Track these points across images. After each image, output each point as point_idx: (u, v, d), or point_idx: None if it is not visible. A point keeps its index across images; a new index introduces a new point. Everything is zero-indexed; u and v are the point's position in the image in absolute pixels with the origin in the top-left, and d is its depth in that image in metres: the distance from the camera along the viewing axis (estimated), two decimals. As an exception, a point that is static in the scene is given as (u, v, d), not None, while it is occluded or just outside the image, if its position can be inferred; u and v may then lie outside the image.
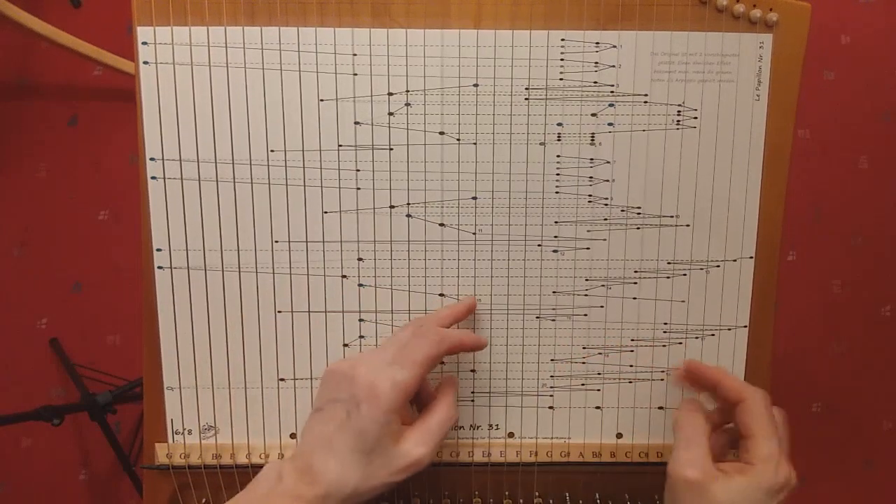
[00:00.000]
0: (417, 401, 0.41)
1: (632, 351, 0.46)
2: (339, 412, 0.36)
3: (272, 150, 0.43)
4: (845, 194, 1.15)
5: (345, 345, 0.45)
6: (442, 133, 0.43)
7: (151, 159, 0.43)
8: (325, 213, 0.44)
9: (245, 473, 0.45)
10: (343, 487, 0.35)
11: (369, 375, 0.36)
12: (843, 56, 1.15)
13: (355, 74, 0.43)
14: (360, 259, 0.44)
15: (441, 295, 0.45)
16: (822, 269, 1.16)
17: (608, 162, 0.44)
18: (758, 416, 0.38)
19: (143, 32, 0.42)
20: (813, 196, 1.15)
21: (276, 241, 0.44)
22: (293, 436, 0.45)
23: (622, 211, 0.44)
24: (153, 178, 0.43)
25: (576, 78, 0.43)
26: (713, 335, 0.46)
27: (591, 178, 0.44)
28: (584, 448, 0.46)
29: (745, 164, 0.44)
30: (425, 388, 0.41)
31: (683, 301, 0.45)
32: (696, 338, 0.46)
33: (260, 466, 0.45)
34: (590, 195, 0.44)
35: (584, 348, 0.46)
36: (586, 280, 0.45)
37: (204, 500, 0.46)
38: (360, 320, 0.45)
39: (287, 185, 0.43)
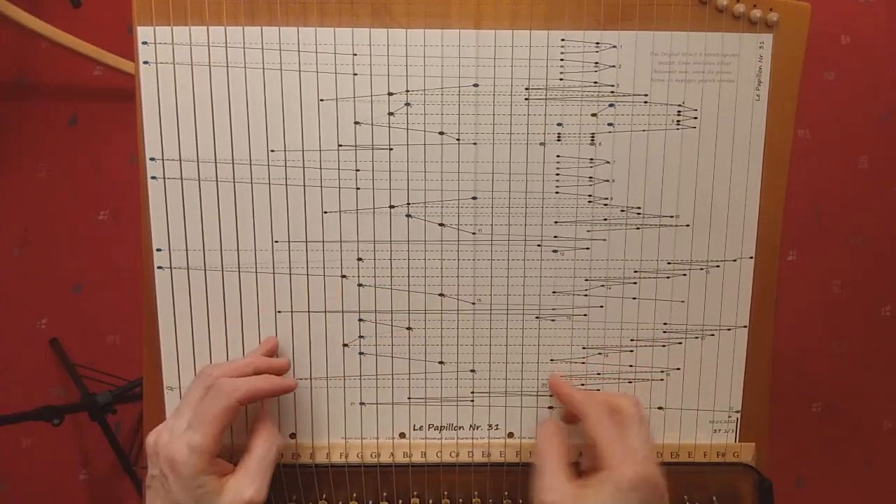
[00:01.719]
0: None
1: (631, 351, 0.46)
2: (160, 488, 0.37)
3: (272, 150, 0.43)
4: (845, 194, 1.15)
5: (344, 345, 0.45)
6: (442, 133, 0.43)
7: (151, 159, 0.43)
8: (325, 213, 0.44)
9: (245, 473, 0.45)
10: None
11: (167, 447, 0.37)
12: (843, 56, 1.15)
13: (355, 74, 0.43)
14: (359, 259, 0.44)
15: (441, 295, 0.45)
16: (822, 269, 1.16)
17: (608, 162, 0.44)
18: (595, 424, 0.39)
19: (143, 32, 0.42)
20: (813, 196, 1.15)
21: (276, 241, 0.44)
22: (292, 436, 0.45)
23: (622, 211, 0.44)
24: (153, 178, 0.43)
25: (576, 78, 0.43)
26: (713, 335, 0.46)
27: (591, 178, 0.44)
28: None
29: (745, 164, 0.44)
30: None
31: (683, 301, 0.45)
32: (696, 338, 0.46)
33: (260, 466, 0.45)
34: (590, 195, 0.44)
35: (583, 348, 0.46)
36: (586, 280, 0.45)
37: None
38: (360, 320, 0.45)
39: (287, 184, 0.43)
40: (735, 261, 0.45)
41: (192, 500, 0.36)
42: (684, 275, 0.45)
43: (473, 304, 0.45)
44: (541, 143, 0.44)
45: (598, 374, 0.46)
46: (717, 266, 0.45)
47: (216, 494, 0.37)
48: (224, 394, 0.38)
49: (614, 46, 0.43)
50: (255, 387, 0.39)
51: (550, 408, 0.46)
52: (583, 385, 0.46)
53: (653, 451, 0.39)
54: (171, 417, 0.39)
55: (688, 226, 0.45)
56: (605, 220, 0.44)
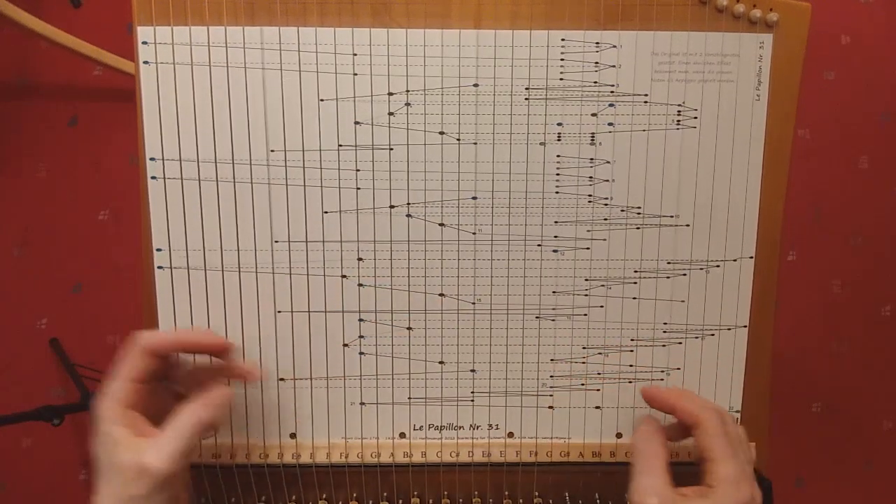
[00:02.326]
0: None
1: (632, 351, 0.46)
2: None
3: (272, 150, 0.43)
4: (845, 194, 1.15)
5: (344, 345, 0.45)
6: (442, 133, 0.43)
7: (151, 159, 0.43)
8: (325, 212, 0.44)
9: (244, 473, 0.45)
10: None
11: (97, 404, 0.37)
12: (843, 56, 1.15)
13: (355, 74, 0.43)
14: (360, 259, 0.44)
15: (441, 295, 0.45)
16: (822, 269, 1.16)
17: (608, 162, 0.44)
18: (713, 437, 0.38)
19: (143, 32, 0.42)
20: (813, 196, 1.15)
21: (276, 241, 0.44)
22: (293, 436, 0.45)
23: (622, 211, 0.44)
24: (153, 177, 0.43)
25: (576, 78, 0.43)
26: (713, 335, 0.46)
27: (591, 178, 0.44)
28: (584, 448, 0.46)
29: (745, 164, 0.44)
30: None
31: (683, 301, 0.45)
32: (696, 338, 0.46)
33: (260, 466, 0.45)
34: (590, 195, 0.44)
35: (583, 348, 0.46)
36: (586, 280, 0.45)
37: (203, 500, 0.46)
38: (360, 320, 0.45)
39: (287, 184, 0.43)
40: (735, 261, 0.45)
41: (100, 451, 0.35)
42: (684, 275, 0.45)
43: (474, 303, 0.45)
44: (541, 143, 0.44)
45: (599, 373, 0.46)
46: (718, 266, 0.45)
47: (123, 449, 0.35)
48: (134, 343, 0.38)
49: (614, 46, 0.43)
50: (165, 335, 0.38)
51: (551, 408, 0.46)
52: (583, 385, 0.46)
53: (753, 475, 0.38)
54: None
55: (688, 226, 0.45)
56: (606, 219, 0.44)
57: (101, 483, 0.35)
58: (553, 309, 0.45)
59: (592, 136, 0.44)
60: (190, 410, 0.37)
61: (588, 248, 0.45)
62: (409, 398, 0.45)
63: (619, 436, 0.46)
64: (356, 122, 0.43)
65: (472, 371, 0.46)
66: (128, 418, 0.36)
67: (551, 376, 0.46)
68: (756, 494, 0.37)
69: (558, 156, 0.44)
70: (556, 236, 0.44)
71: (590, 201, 0.44)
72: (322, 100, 0.43)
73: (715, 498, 0.36)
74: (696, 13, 0.43)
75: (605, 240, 0.45)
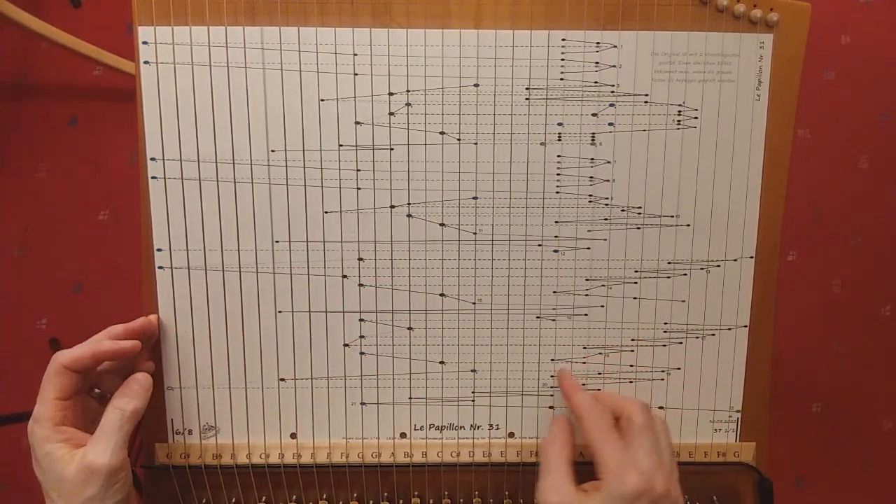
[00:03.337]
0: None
1: (632, 351, 0.46)
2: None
3: (273, 150, 0.43)
4: (845, 194, 1.15)
5: (345, 345, 0.45)
6: (442, 133, 0.43)
7: (152, 159, 0.43)
8: (326, 212, 0.44)
9: (245, 473, 0.45)
10: None
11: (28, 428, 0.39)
12: (843, 56, 1.15)
13: (356, 74, 0.43)
14: (360, 259, 0.44)
15: (441, 295, 0.45)
16: (822, 269, 1.16)
17: (609, 162, 0.44)
18: (594, 429, 0.38)
19: (143, 32, 0.42)
20: (813, 196, 1.15)
21: (277, 241, 0.44)
22: (293, 436, 0.45)
23: (622, 211, 0.44)
24: (153, 177, 0.43)
25: (576, 78, 0.43)
26: (713, 335, 0.46)
27: (591, 178, 0.44)
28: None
29: (746, 164, 0.44)
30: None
31: (684, 301, 0.45)
32: (697, 337, 0.46)
33: (260, 466, 0.45)
34: (590, 195, 0.44)
35: (584, 348, 0.46)
36: (587, 280, 0.45)
37: (204, 500, 0.46)
38: (361, 320, 0.45)
39: (287, 184, 0.43)
40: (735, 260, 0.45)
41: (46, 472, 0.37)
42: (685, 274, 0.45)
43: (474, 303, 0.45)
44: (541, 143, 0.44)
45: (599, 373, 0.46)
46: (718, 266, 0.45)
47: (66, 463, 0.37)
48: (52, 362, 0.39)
49: (615, 46, 0.43)
50: (82, 348, 0.39)
51: (551, 408, 0.46)
52: (583, 385, 0.46)
53: (665, 463, 0.38)
54: None
55: (688, 225, 0.45)
56: (606, 219, 0.44)
57: (49, 498, 0.37)
58: (553, 309, 0.45)
59: (593, 136, 0.44)
60: (112, 407, 0.39)
61: (588, 248, 0.45)
62: (410, 398, 0.45)
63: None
64: (357, 122, 0.43)
65: (473, 371, 0.46)
66: (62, 434, 0.38)
67: (552, 376, 0.46)
68: (663, 484, 0.36)
69: (559, 156, 0.44)
70: (556, 236, 0.44)
71: (590, 201, 0.44)
72: (322, 100, 0.43)
73: (605, 488, 0.36)
74: (696, 13, 0.43)
75: (605, 240, 0.45)
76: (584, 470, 0.39)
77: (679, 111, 0.44)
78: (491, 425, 0.46)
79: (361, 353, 0.45)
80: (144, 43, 0.42)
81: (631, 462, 0.37)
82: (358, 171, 0.43)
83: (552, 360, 0.46)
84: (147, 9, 0.42)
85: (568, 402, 0.43)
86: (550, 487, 0.38)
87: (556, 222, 0.44)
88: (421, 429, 0.46)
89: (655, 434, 0.39)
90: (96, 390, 0.42)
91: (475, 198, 0.44)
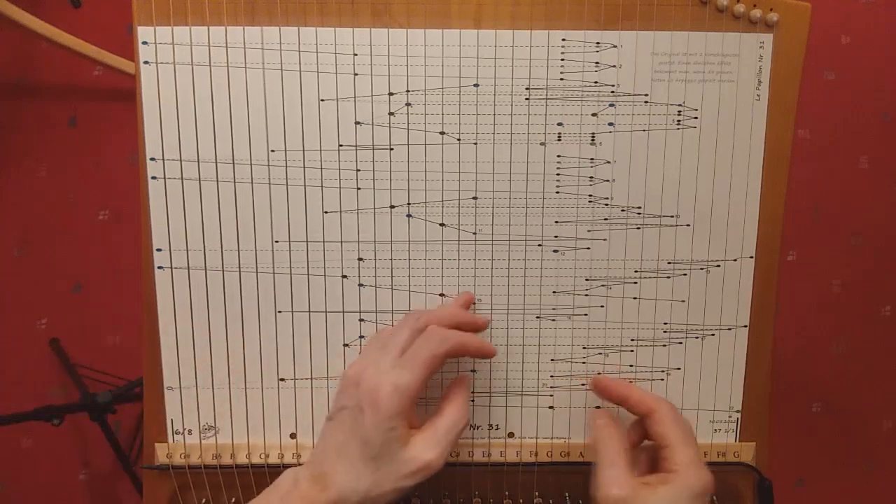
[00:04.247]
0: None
1: (632, 351, 0.46)
2: (347, 420, 0.36)
3: (272, 150, 0.43)
4: (845, 194, 1.15)
5: (345, 345, 0.45)
6: (442, 133, 0.43)
7: (152, 159, 0.43)
8: (326, 212, 0.44)
9: (245, 473, 0.45)
10: (353, 493, 0.35)
11: (373, 380, 0.36)
12: (843, 56, 1.15)
13: (356, 74, 0.43)
14: (360, 259, 0.44)
15: (441, 295, 0.45)
16: (822, 269, 1.16)
17: (608, 162, 0.44)
18: (671, 423, 0.39)
19: (143, 32, 0.42)
20: (813, 196, 1.15)
21: (277, 241, 0.44)
22: (293, 436, 0.45)
23: (622, 211, 0.44)
24: (153, 178, 0.43)
25: (576, 78, 0.43)
26: (713, 335, 0.46)
27: (591, 178, 0.44)
28: (584, 448, 0.46)
29: (746, 164, 0.44)
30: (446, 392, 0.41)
31: (683, 301, 0.45)
32: (697, 338, 0.46)
33: (260, 466, 0.45)
34: (590, 195, 0.44)
35: (584, 348, 0.46)
36: (586, 280, 0.45)
37: (204, 500, 0.46)
38: (361, 320, 0.45)
39: (287, 184, 0.43)
40: (735, 260, 0.45)
41: (380, 441, 0.35)
42: (685, 274, 0.45)
43: (474, 303, 0.45)
44: (541, 143, 0.44)
45: (599, 373, 0.46)
46: (718, 266, 0.45)
47: (402, 444, 0.36)
48: (436, 341, 0.37)
49: (615, 46, 0.43)
50: (464, 342, 0.39)
51: (551, 408, 0.46)
52: (583, 385, 0.46)
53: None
54: (376, 353, 0.38)
55: (688, 226, 0.45)
56: (606, 219, 0.44)
57: (359, 461, 0.36)
58: (553, 309, 0.45)
59: (593, 136, 0.44)
60: (460, 412, 0.38)
61: (588, 248, 0.45)
62: (410, 398, 0.45)
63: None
64: (356, 122, 0.43)
65: (473, 371, 0.46)
66: (412, 413, 0.37)
67: (552, 376, 0.46)
68: (711, 480, 0.37)
69: (559, 156, 0.44)
70: (556, 236, 0.44)
71: (590, 201, 0.44)
72: (322, 100, 0.43)
73: (677, 481, 0.37)
74: (696, 13, 0.43)
75: (605, 240, 0.45)
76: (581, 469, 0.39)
77: (679, 111, 0.44)
78: (491, 425, 0.46)
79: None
80: (144, 43, 0.42)
81: (701, 459, 0.38)
82: (358, 171, 0.43)
83: (552, 360, 0.46)
84: (147, 9, 0.42)
85: (631, 397, 0.41)
86: (614, 479, 0.37)
87: (556, 222, 0.44)
88: (421, 429, 0.46)
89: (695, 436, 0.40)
90: None
91: (475, 198, 0.44)
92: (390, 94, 0.43)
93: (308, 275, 0.44)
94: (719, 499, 0.47)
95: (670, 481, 0.37)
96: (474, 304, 0.45)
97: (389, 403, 0.35)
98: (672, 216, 0.45)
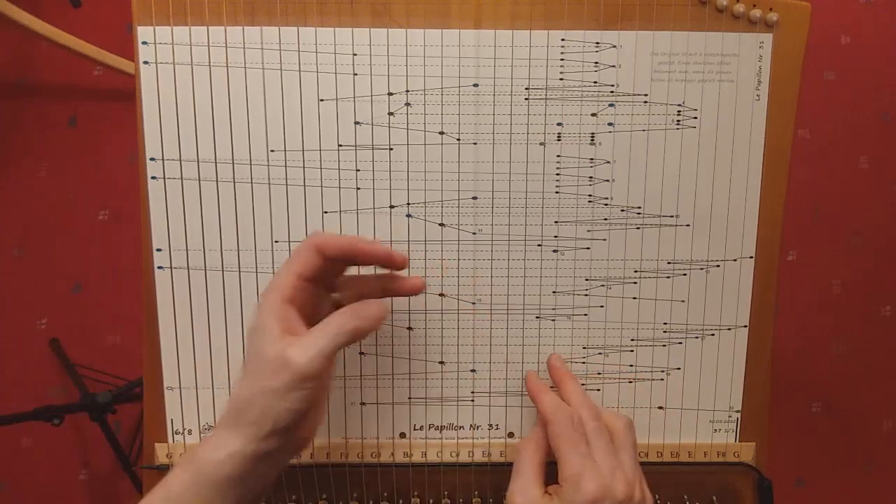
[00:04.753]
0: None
1: (632, 351, 0.46)
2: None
3: (272, 150, 0.43)
4: (845, 194, 1.15)
5: (345, 345, 0.45)
6: (442, 133, 0.43)
7: (151, 159, 0.43)
8: (325, 212, 0.44)
9: (245, 473, 0.45)
10: (233, 401, 0.35)
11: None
12: (843, 56, 1.15)
13: (355, 74, 0.43)
14: (360, 259, 0.44)
15: (441, 295, 0.45)
16: (822, 269, 1.16)
17: (608, 162, 0.44)
18: (558, 435, 0.38)
19: (143, 32, 0.42)
20: (813, 196, 1.15)
21: (277, 241, 0.44)
22: (293, 436, 0.45)
23: (622, 211, 0.44)
24: (153, 178, 0.43)
25: (576, 78, 0.43)
26: (713, 335, 0.46)
27: (591, 178, 0.44)
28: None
29: (745, 164, 0.44)
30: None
31: (683, 301, 0.45)
32: (696, 337, 0.46)
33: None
34: (590, 195, 0.44)
35: (584, 348, 0.46)
36: (586, 280, 0.45)
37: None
38: (360, 320, 0.45)
39: (287, 184, 0.43)
40: (735, 260, 0.45)
41: (251, 339, 0.35)
42: (684, 274, 0.45)
43: (474, 303, 0.45)
44: (541, 143, 0.44)
45: (599, 373, 0.46)
46: (718, 266, 0.45)
47: (270, 343, 0.34)
48: (307, 240, 0.37)
49: (614, 46, 0.43)
50: (339, 238, 0.37)
51: (550, 408, 0.46)
52: (583, 385, 0.46)
53: (625, 465, 0.38)
54: None
55: (688, 225, 0.45)
56: (606, 219, 0.44)
57: (244, 371, 0.35)
58: (553, 309, 0.45)
59: (592, 136, 0.44)
60: (340, 315, 0.36)
61: (588, 248, 0.45)
62: (410, 398, 0.45)
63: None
64: (356, 122, 0.43)
65: (473, 371, 0.46)
66: (283, 312, 0.36)
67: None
68: (605, 488, 0.36)
69: (558, 156, 0.44)
70: (556, 236, 0.44)
71: (590, 201, 0.44)
72: (322, 100, 0.43)
73: (562, 494, 0.37)
74: (695, 13, 0.43)
75: (605, 240, 0.45)
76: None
77: (679, 111, 0.44)
78: (491, 425, 0.46)
79: (361, 353, 0.45)
80: (144, 43, 0.42)
81: (590, 467, 0.37)
82: (357, 171, 0.43)
83: (552, 360, 0.46)
84: (147, 9, 0.42)
85: (535, 403, 0.42)
86: (518, 490, 0.38)
87: (556, 222, 0.44)
88: (420, 429, 0.46)
89: (608, 436, 0.39)
90: (334, 294, 0.40)
91: (475, 198, 0.44)
92: (390, 94, 0.43)
93: (308, 275, 0.44)
94: (719, 499, 0.47)
95: (559, 493, 0.37)
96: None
97: (263, 300, 0.36)
98: (672, 216, 0.45)
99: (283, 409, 0.34)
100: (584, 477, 0.36)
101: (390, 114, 0.43)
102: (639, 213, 0.44)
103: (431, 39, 0.42)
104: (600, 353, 0.46)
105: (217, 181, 0.43)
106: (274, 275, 0.37)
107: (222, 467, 0.34)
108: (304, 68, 0.43)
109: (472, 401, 0.46)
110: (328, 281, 0.40)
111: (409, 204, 0.44)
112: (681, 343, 0.46)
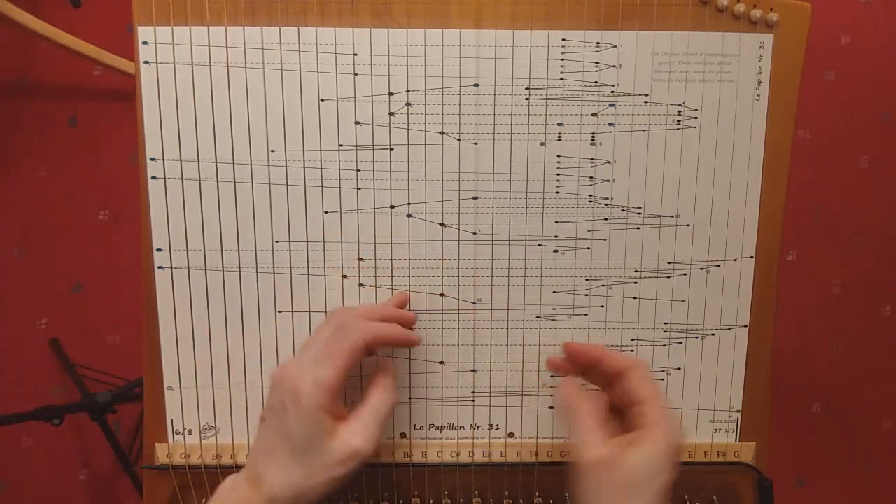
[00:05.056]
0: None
1: (632, 351, 0.46)
2: (274, 419, 0.37)
3: (272, 150, 0.43)
4: (845, 194, 1.16)
5: (345, 345, 0.45)
6: (442, 133, 0.43)
7: (152, 159, 0.43)
8: (326, 212, 0.44)
9: (245, 473, 0.45)
10: (284, 489, 0.36)
11: (293, 378, 0.36)
12: (843, 56, 1.15)
13: (356, 74, 0.43)
14: (360, 259, 0.44)
15: (442, 295, 0.45)
16: (822, 269, 1.16)
17: (609, 162, 0.44)
18: (646, 381, 0.39)
19: (143, 32, 0.42)
20: (813, 196, 1.15)
21: (277, 241, 0.44)
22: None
23: (622, 211, 0.44)
24: (153, 177, 0.43)
25: (576, 78, 0.43)
26: (713, 335, 0.46)
27: (591, 177, 0.44)
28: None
29: (746, 164, 0.44)
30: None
31: (683, 301, 0.45)
32: (696, 337, 0.46)
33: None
34: (590, 195, 0.44)
35: (584, 348, 0.45)
36: (587, 280, 0.45)
37: (204, 501, 0.46)
38: (361, 320, 0.45)
39: (287, 184, 0.43)
40: (735, 260, 0.45)
41: (305, 436, 0.36)
42: (685, 274, 0.45)
43: (474, 303, 0.45)
44: (541, 143, 0.44)
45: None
46: (718, 266, 0.45)
47: (328, 436, 0.36)
48: (353, 332, 0.38)
49: (615, 46, 0.43)
50: (383, 331, 0.39)
51: (551, 408, 0.46)
52: (583, 385, 0.46)
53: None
54: (299, 352, 0.39)
55: (688, 225, 0.45)
56: (606, 219, 0.44)
57: (287, 457, 0.36)
58: (553, 309, 0.45)
59: (593, 136, 0.44)
60: (382, 396, 0.39)
61: (588, 248, 0.45)
62: (410, 398, 0.45)
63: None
64: (356, 122, 0.43)
65: (473, 371, 0.46)
66: (335, 406, 0.37)
67: (552, 376, 0.46)
68: (683, 438, 0.39)
69: (559, 156, 0.44)
70: (556, 236, 0.44)
71: (590, 201, 0.44)
72: (322, 100, 0.43)
73: (657, 436, 0.36)
74: (696, 13, 0.43)
75: (605, 240, 0.45)
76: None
77: (679, 111, 0.44)
78: (491, 425, 0.46)
79: (361, 353, 0.45)
80: (144, 43, 0.42)
81: (673, 417, 0.38)
82: (358, 171, 0.43)
83: (552, 360, 0.46)
84: (147, 9, 0.42)
85: (604, 358, 0.40)
86: (596, 443, 0.37)
87: (556, 222, 0.44)
88: (421, 429, 0.46)
89: None
90: None
91: (475, 198, 0.44)
92: (390, 94, 0.43)
93: (308, 275, 0.44)
94: (719, 499, 0.47)
95: (648, 437, 0.36)
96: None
97: (310, 398, 0.36)
98: (672, 216, 0.45)
99: (339, 486, 0.37)
100: (673, 427, 0.37)
101: (391, 114, 0.43)
102: (639, 213, 0.44)
103: (432, 39, 0.43)
104: (600, 353, 0.46)
105: (217, 181, 0.43)
106: (315, 359, 0.37)
107: None
108: (304, 68, 0.43)
109: (473, 401, 0.46)
110: None
111: (409, 204, 0.44)
112: (681, 343, 0.46)
